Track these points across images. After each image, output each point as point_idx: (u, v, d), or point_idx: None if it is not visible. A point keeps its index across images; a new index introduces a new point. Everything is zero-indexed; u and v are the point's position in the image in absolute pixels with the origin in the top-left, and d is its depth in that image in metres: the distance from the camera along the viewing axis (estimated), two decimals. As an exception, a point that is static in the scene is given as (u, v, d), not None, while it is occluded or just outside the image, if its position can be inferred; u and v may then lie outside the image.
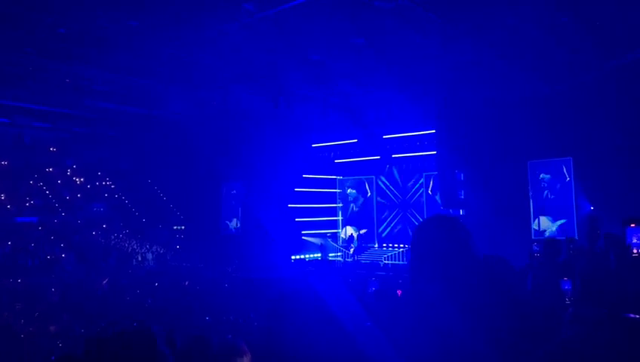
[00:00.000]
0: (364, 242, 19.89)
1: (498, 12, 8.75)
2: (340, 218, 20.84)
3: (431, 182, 18.28)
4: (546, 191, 13.85)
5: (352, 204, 20.71)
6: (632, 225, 3.57)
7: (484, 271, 2.06)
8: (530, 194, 14.07)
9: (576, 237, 12.37)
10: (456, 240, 2.09)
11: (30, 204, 18.87)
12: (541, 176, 13.91)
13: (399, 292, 7.33)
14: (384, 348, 2.16)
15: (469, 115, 13.81)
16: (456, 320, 1.90)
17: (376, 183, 20.07)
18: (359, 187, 20.54)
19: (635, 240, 3.45)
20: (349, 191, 20.75)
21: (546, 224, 13.77)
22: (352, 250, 19.20)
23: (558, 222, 13.55)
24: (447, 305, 1.94)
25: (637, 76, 10.86)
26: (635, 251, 3.37)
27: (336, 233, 20.61)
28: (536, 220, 13.93)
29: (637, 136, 11.36)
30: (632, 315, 2.11)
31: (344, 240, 20.16)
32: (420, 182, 18.81)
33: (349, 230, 20.36)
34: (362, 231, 20.21)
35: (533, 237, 13.62)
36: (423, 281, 2.08)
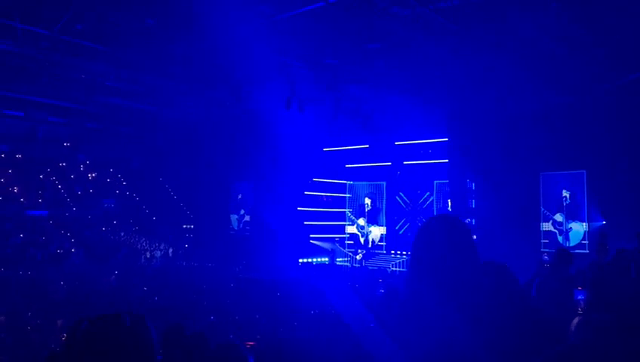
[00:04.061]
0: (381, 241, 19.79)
1: (515, 22, 8.69)
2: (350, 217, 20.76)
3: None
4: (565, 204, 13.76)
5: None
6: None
7: (482, 272, 2.03)
8: (543, 206, 13.94)
9: (588, 251, 12.26)
10: (454, 241, 2.06)
11: (42, 197, 18.99)
12: (563, 193, 13.77)
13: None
14: (388, 349, 2.14)
15: (482, 123, 13.72)
16: (452, 320, 1.88)
17: (387, 189, 19.98)
18: (371, 193, 20.43)
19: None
20: (366, 201, 20.59)
21: (560, 218, 13.71)
22: (359, 255, 19.13)
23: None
24: (444, 305, 1.91)
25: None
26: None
27: (343, 238, 20.52)
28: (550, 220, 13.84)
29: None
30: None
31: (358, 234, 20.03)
32: (428, 192, 18.73)
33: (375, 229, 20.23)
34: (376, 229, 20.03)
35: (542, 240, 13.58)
36: (419, 281, 2.06)
